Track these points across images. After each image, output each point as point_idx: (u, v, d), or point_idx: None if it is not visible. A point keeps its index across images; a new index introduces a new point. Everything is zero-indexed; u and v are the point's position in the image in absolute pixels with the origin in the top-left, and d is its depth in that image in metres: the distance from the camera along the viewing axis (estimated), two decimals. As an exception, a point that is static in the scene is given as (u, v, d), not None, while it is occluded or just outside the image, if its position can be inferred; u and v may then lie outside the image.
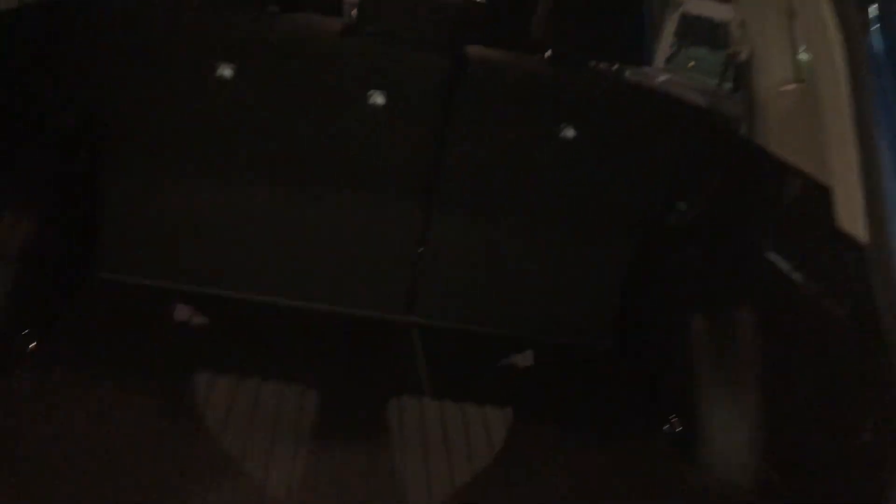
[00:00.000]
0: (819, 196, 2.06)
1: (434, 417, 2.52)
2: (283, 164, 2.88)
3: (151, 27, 2.74)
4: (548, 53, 2.91)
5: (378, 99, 2.78)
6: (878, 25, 1.83)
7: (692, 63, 9.71)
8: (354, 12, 2.93)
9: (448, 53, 2.83)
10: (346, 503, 2.10)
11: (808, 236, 2.29)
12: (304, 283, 2.99)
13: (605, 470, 2.45)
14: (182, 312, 2.80)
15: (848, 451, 1.97)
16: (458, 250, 3.00)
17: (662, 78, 4.20)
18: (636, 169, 2.94)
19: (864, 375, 1.94)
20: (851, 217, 1.89)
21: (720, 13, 8.24)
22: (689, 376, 2.59)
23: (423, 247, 2.97)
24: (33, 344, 2.41)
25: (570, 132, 2.85)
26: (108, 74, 2.74)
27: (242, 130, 2.84)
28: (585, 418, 2.69)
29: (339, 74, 2.79)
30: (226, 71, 2.72)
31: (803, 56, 2.54)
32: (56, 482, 1.98)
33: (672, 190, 2.96)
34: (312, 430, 2.35)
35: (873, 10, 1.83)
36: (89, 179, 2.82)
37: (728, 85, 5.98)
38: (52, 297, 2.62)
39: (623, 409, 2.79)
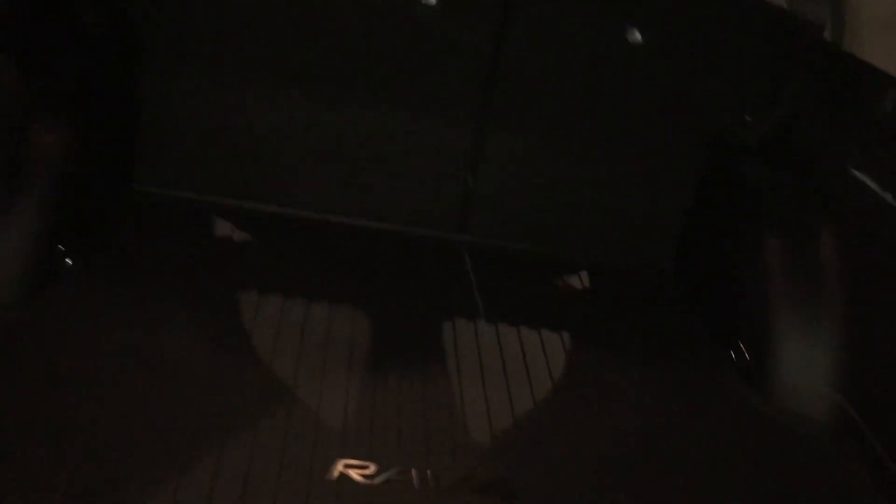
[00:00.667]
0: None
1: (490, 342, 2.39)
2: (328, 72, 2.69)
3: None
4: None
5: None
6: None
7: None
8: None
9: None
10: (402, 431, 1.99)
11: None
12: (350, 199, 2.83)
13: (667, 398, 2.32)
14: (223, 228, 2.67)
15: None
16: (513, 165, 2.82)
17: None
18: (707, 77, 2.72)
19: None
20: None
21: None
22: (761, 301, 2.43)
23: (477, 161, 2.80)
24: (69, 260, 2.29)
25: (636, 35, 2.63)
26: None
27: (285, 37, 2.64)
28: (645, 343, 2.55)
29: None
30: None
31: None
32: (97, 406, 1.88)
33: (746, 101, 2.74)
34: (365, 355, 2.24)
35: None
36: (126, 88, 2.65)
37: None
38: (87, 210, 2.49)
39: (684, 335, 2.65)
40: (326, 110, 2.73)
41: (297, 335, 2.25)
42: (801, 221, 2.42)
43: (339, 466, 1.83)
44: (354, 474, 1.81)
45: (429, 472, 1.85)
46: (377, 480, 1.81)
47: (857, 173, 2.23)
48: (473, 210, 2.85)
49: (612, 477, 1.96)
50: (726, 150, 2.80)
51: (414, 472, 1.85)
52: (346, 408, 2.02)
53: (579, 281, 2.79)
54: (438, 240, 2.86)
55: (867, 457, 2.08)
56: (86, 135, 2.36)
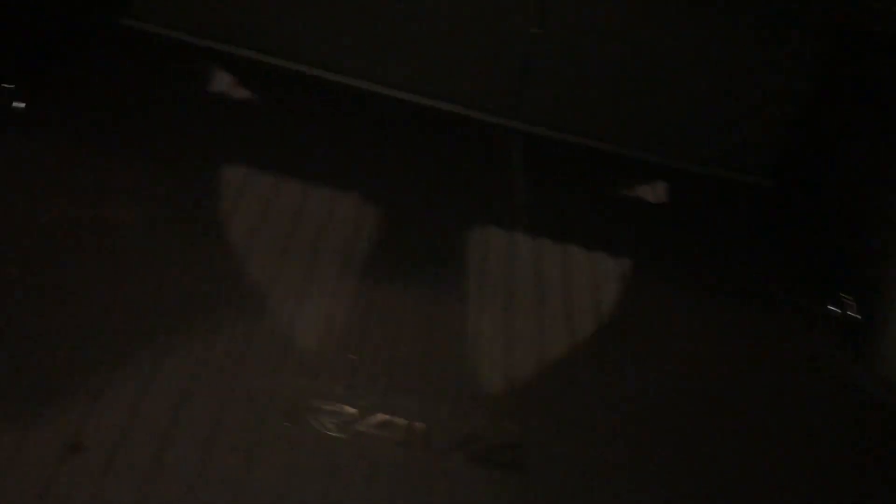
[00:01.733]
0: None
1: (526, 259, 1.91)
2: None
3: None
4: None
5: None
6: None
7: None
8: None
9: None
10: (395, 365, 1.55)
11: None
12: (385, 64, 2.31)
13: (738, 354, 1.83)
14: (221, 80, 2.20)
15: None
16: (580, 37, 2.25)
17: None
18: None
19: None
20: None
21: None
22: (885, 242, 1.89)
23: (538, 29, 2.24)
24: (22, 103, 1.86)
25: None
26: None
27: None
28: (722, 279, 2.03)
29: None
30: None
31: None
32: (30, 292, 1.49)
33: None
34: (366, 258, 1.79)
35: None
36: None
37: None
38: (62, 43, 2.05)
39: (776, 268, 2.12)
40: None
41: (287, 221, 1.81)
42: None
43: (307, 405, 1.42)
44: (324, 420, 1.40)
45: (419, 424, 1.43)
46: (351, 430, 1.39)
47: None
48: (530, 90, 2.31)
49: (648, 454, 1.50)
50: (850, 42, 2.18)
51: (400, 423, 1.42)
52: (328, 325, 1.59)
53: (651, 191, 2.26)
54: (485, 123, 2.34)
55: None
56: None
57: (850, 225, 2.07)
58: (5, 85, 1.82)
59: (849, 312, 1.94)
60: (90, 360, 1.38)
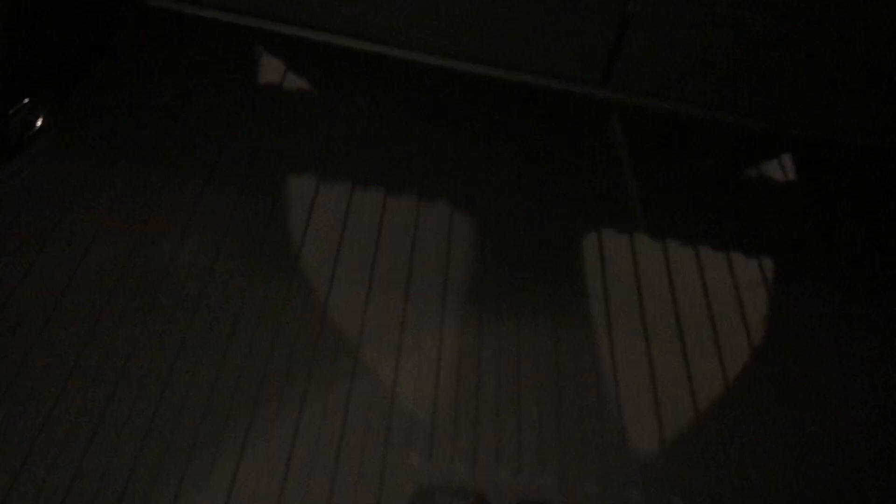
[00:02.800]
0: None
1: (654, 269, 1.60)
2: None
3: None
4: None
5: None
6: None
7: None
8: None
9: None
10: (519, 429, 1.27)
11: None
12: (454, 33, 1.97)
13: (870, 336, 1.53)
14: (272, 66, 1.88)
15: None
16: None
17: None
18: None
19: None
20: None
21: None
22: None
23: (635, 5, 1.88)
24: (40, 119, 1.56)
25: None
26: None
27: None
28: (866, 260, 1.71)
29: None
30: None
31: None
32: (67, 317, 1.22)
33: None
34: (467, 286, 1.49)
35: None
36: None
37: None
38: (81, 39, 1.73)
39: None
40: None
41: (369, 242, 1.51)
42: None
43: (423, 489, 1.15)
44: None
45: None
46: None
47: None
48: (627, 56, 1.96)
49: None
50: None
51: None
52: (438, 381, 1.31)
53: (780, 167, 1.93)
54: (575, 96, 2.00)
55: None
56: None
57: None
58: (24, 101, 1.52)
59: None
60: (172, 451, 1.12)
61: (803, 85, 1.98)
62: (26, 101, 1.51)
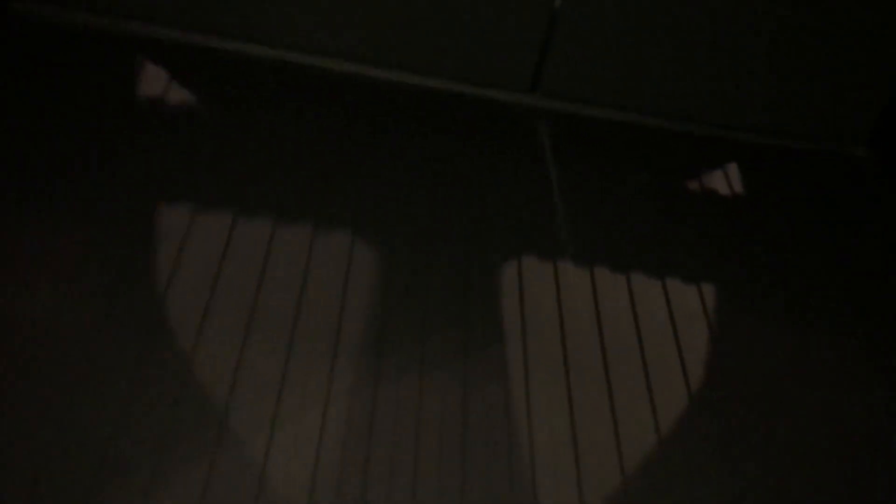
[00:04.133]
0: None
1: (581, 303, 1.42)
2: None
3: None
4: None
5: None
6: None
7: None
8: None
9: None
10: (420, 478, 1.09)
11: None
12: (378, 42, 1.78)
13: (832, 367, 1.38)
14: (153, 78, 1.67)
15: None
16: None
17: None
18: None
19: None
20: None
21: None
22: None
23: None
24: None
25: None
26: None
27: None
28: (844, 283, 1.56)
29: None
30: None
31: None
32: None
33: None
34: (367, 330, 1.30)
35: None
36: None
37: None
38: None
39: (884, 261, 1.64)
40: None
41: (252, 290, 1.31)
42: None
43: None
44: None
45: None
46: None
47: None
48: (554, 59, 1.78)
49: None
50: None
51: None
52: (326, 444, 1.12)
53: (724, 177, 1.75)
54: (502, 104, 1.81)
55: None
56: None
57: None
58: None
59: None
60: None
61: (745, 87, 1.81)
62: None
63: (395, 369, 1.23)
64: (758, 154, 1.83)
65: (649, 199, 1.65)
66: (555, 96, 1.81)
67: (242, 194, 1.46)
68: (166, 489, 1.04)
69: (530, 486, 1.13)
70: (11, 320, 1.19)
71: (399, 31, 1.74)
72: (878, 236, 1.69)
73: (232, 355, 1.20)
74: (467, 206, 1.55)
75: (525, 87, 1.80)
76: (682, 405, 1.29)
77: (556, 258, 1.48)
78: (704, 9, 1.71)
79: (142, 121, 1.56)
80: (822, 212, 1.71)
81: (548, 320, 1.37)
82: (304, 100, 1.70)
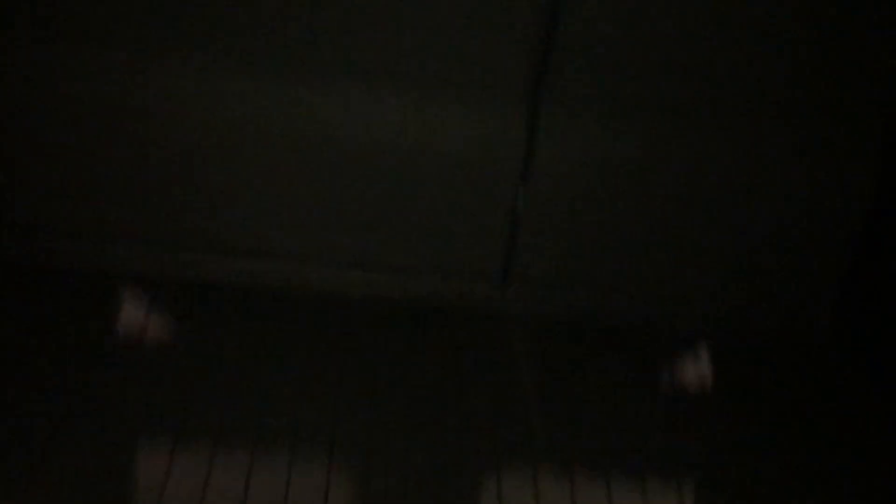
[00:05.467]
0: None
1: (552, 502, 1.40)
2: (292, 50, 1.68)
3: None
4: None
5: None
6: None
7: None
8: None
9: None
10: None
11: None
12: (333, 256, 1.84)
13: None
14: (133, 317, 1.72)
15: None
16: (574, 199, 1.79)
17: None
18: (879, 38, 1.66)
19: None
20: None
21: None
22: None
23: (525, 185, 1.78)
24: None
25: None
26: None
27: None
28: (794, 458, 1.54)
29: None
30: None
31: None
32: None
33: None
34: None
35: None
36: None
37: None
38: None
39: (863, 437, 1.63)
40: (303, 94, 1.70)
41: None
42: None
43: None
44: None
45: None
46: None
47: None
48: (520, 262, 1.83)
49: None
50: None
51: None
52: None
53: (697, 373, 1.77)
54: (468, 310, 1.85)
55: None
56: None
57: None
58: None
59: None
60: None
61: (711, 282, 1.87)
62: None
63: None
64: (734, 348, 1.85)
65: (626, 397, 1.66)
66: (524, 297, 1.85)
67: (217, 425, 1.47)
68: None
69: None
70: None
71: (373, 232, 1.80)
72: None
73: None
74: (440, 419, 1.56)
75: (497, 281, 1.84)
76: None
77: (534, 464, 1.47)
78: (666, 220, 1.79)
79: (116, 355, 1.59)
80: (799, 406, 1.72)
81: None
82: (273, 317, 1.74)
